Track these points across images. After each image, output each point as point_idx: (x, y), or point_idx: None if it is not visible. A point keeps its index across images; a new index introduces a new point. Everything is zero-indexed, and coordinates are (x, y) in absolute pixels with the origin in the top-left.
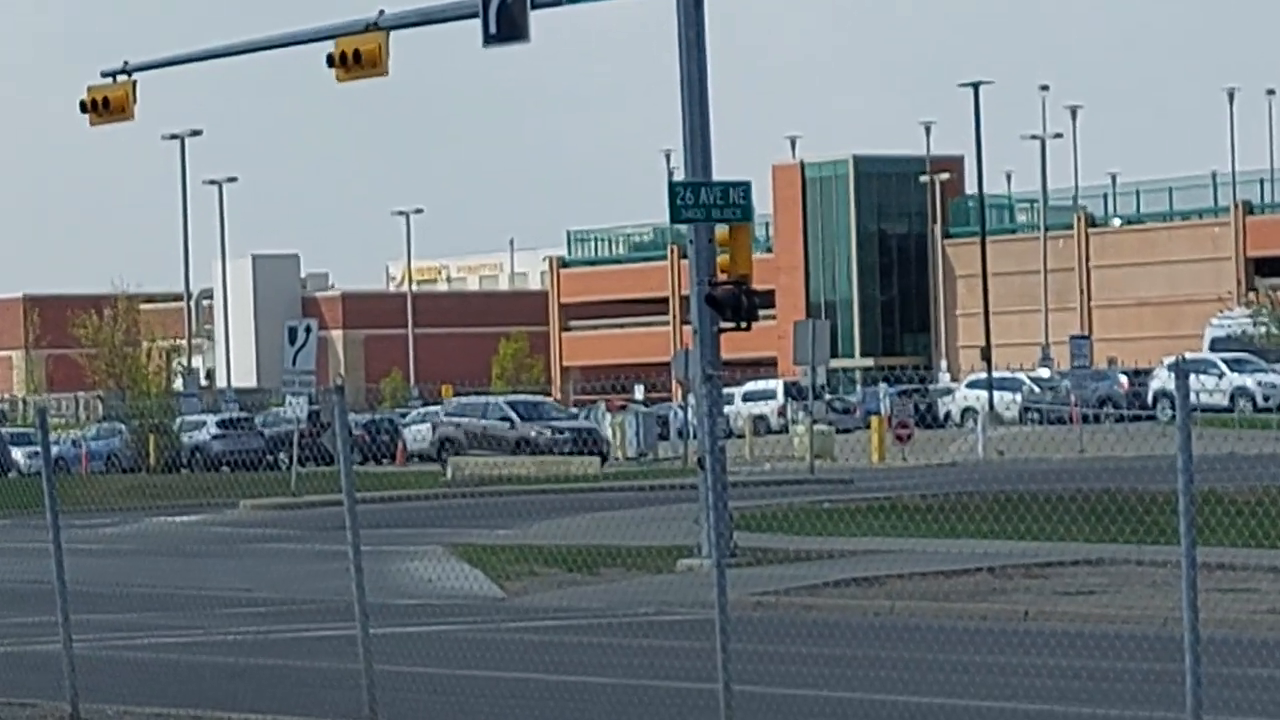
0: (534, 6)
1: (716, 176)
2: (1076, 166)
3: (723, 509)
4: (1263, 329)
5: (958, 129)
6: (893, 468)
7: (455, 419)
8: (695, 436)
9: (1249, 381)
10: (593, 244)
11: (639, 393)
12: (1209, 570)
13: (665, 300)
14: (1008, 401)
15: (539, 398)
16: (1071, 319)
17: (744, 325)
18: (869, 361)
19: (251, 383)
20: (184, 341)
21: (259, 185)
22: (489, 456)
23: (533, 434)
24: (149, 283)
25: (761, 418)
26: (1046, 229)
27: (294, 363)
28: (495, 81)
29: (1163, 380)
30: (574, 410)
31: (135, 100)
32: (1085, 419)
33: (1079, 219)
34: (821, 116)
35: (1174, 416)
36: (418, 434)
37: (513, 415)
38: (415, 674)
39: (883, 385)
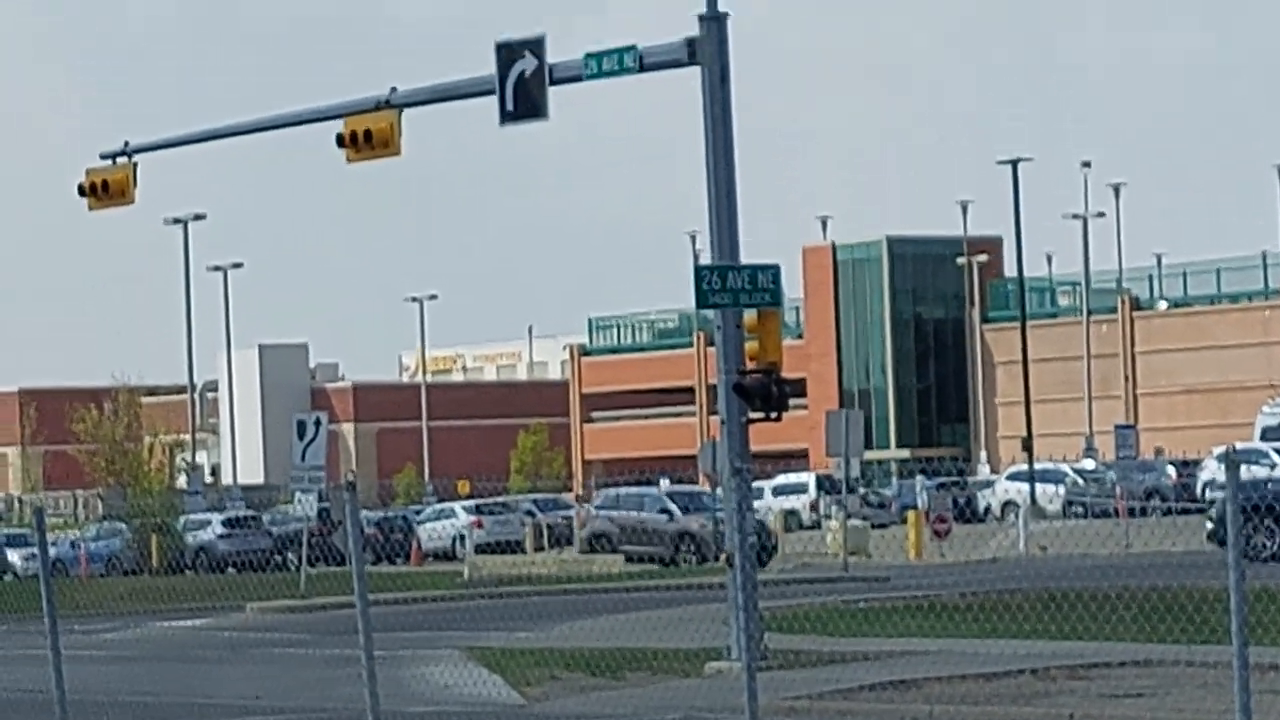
0: (552, 82)
1: (744, 259)
2: (1120, 247)
3: (753, 609)
4: None
5: (996, 208)
6: (931, 564)
7: (609, 512)
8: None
9: None
10: (615, 331)
11: (665, 487)
12: (1262, 671)
13: (691, 390)
14: (1050, 494)
15: (695, 488)
16: (1116, 407)
17: (774, 415)
18: (905, 453)
19: (259, 479)
20: (188, 436)
21: (266, 271)
22: (643, 549)
23: (695, 527)
24: (151, 375)
25: (793, 512)
26: (1089, 313)
27: (303, 458)
28: (512, 161)
29: (1212, 471)
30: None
31: (136, 183)
32: (1132, 512)
33: (1123, 302)
34: (854, 196)
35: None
36: (433, 531)
37: (672, 507)
38: None
39: (919, 478)
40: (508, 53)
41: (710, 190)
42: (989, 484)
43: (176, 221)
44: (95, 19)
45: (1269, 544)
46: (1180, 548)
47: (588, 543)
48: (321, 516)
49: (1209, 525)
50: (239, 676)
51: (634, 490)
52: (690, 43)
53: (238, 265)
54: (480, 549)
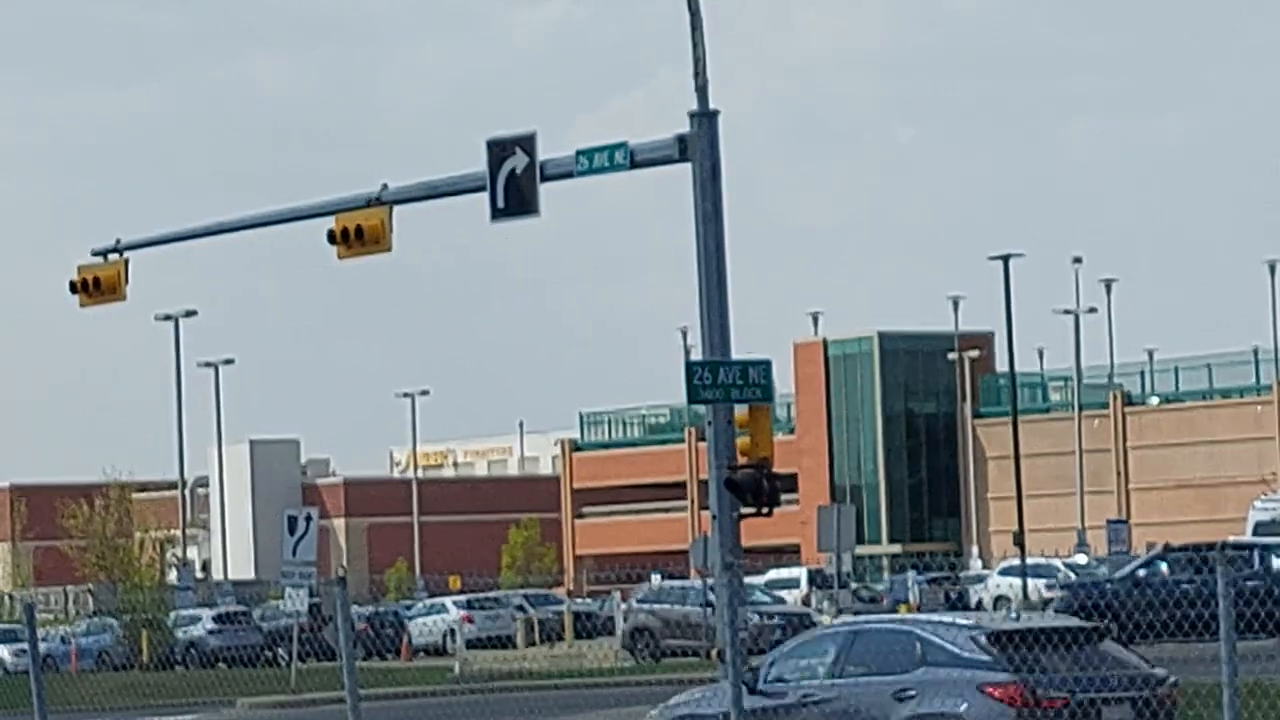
0: (544, 179)
1: (736, 354)
2: (1112, 342)
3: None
4: None
5: (987, 304)
6: None
7: (650, 605)
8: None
9: None
10: (606, 426)
11: (656, 582)
12: None
13: (683, 485)
14: (1042, 589)
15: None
16: (1108, 502)
17: (765, 510)
18: (896, 548)
19: (249, 574)
20: (178, 532)
21: (256, 367)
22: (685, 643)
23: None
24: (142, 471)
25: None
26: (1081, 408)
27: (294, 553)
28: (503, 257)
29: None
30: (780, 594)
31: (127, 280)
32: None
33: (1115, 397)
34: (845, 291)
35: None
36: (424, 627)
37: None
38: None
39: (911, 573)
40: (499, 150)
41: (701, 285)
42: (981, 579)
43: (168, 318)
44: (86, 116)
45: None
46: (1172, 642)
47: (629, 637)
48: (312, 612)
49: None
50: None
51: (676, 583)
52: (681, 139)
53: (229, 361)
54: (471, 644)
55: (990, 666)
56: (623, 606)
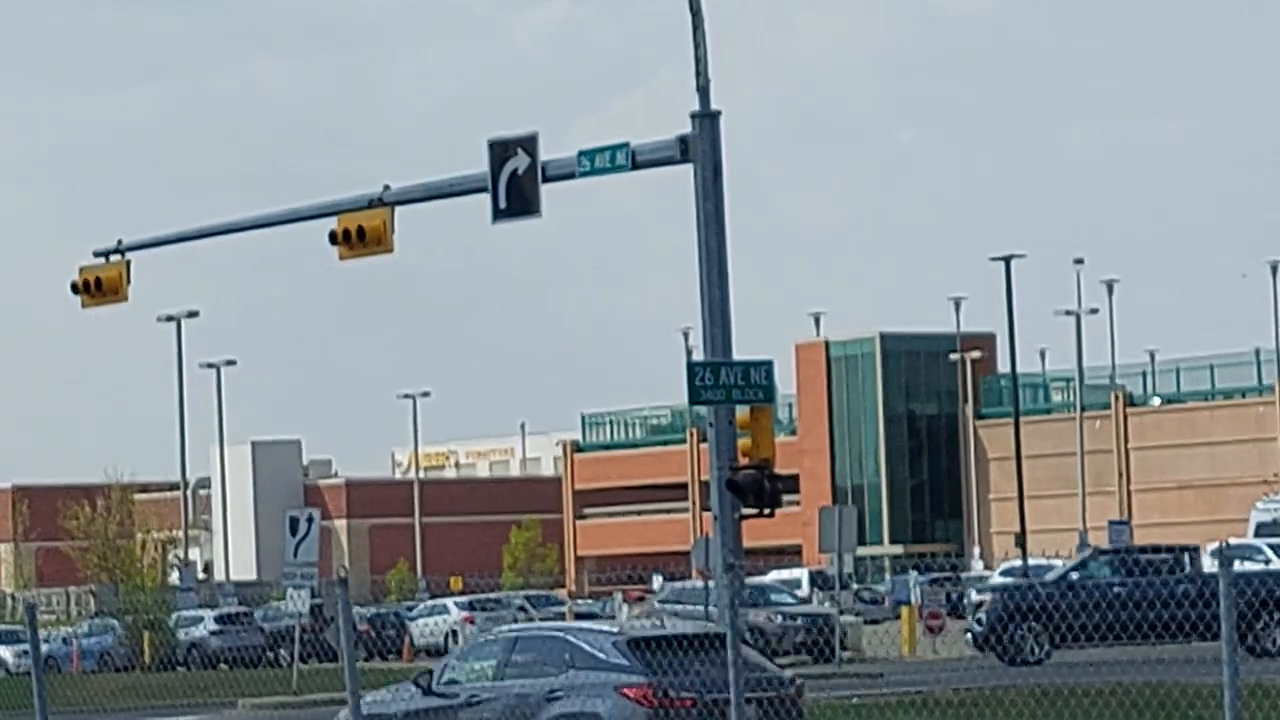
0: (545, 180)
1: (737, 355)
2: (1113, 343)
3: (743, 705)
4: None
5: (989, 305)
6: (924, 660)
7: (672, 606)
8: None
9: None
10: (608, 427)
11: (657, 583)
12: None
13: (684, 486)
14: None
15: (762, 579)
16: (1110, 503)
17: (767, 511)
18: (898, 549)
19: (251, 575)
20: (180, 533)
21: (258, 368)
22: None
23: (762, 620)
24: (143, 472)
25: None
26: (1083, 409)
27: (295, 554)
28: (505, 258)
29: (1207, 566)
30: (801, 594)
31: (129, 281)
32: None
33: (1117, 398)
34: (847, 292)
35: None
36: (425, 628)
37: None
38: None
39: (913, 573)
40: (501, 150)
41: (703, 286)
42: (982, 580)
43: (170, 319)
44: (88, 118)
45: (1038, 648)
46: (1174, 644)
47: None
48: (314, 613)
49: (977, 628)
50: None
51: (696, 584)
52: (683, 140)
53: (230, 362)
54: None
55: (627, 670)
56: (642, 608)
